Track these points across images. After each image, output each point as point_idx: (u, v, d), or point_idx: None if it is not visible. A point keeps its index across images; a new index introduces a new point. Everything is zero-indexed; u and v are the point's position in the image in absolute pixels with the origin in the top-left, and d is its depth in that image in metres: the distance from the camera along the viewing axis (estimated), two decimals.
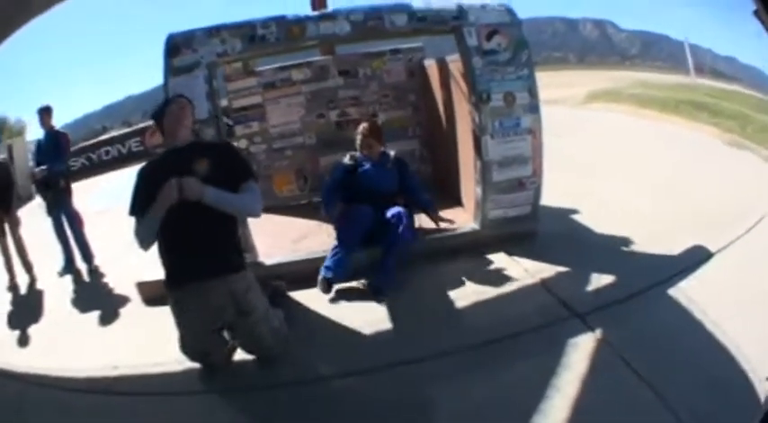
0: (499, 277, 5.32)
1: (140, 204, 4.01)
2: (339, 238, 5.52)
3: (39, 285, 7.95)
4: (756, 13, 2.60)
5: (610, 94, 19.68)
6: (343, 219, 5.60)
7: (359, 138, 6.01)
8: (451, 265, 5.60)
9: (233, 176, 4.06)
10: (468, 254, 5.84)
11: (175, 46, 5.66)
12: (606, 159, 9.63)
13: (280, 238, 6.30)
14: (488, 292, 5.05)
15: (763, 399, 2.76)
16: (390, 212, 5.57)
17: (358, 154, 6.01)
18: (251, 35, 5.73)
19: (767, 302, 4.08)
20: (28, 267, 8.20)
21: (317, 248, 5.90)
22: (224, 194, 3.91)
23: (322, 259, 5.41)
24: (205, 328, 4.09)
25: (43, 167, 7.60)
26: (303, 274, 5.49)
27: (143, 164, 4.30)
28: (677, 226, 6.05)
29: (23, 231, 8.22)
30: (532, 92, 6.05)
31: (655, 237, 5.75)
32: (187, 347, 4.19)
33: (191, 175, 3.83)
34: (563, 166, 7.28)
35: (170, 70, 5.64)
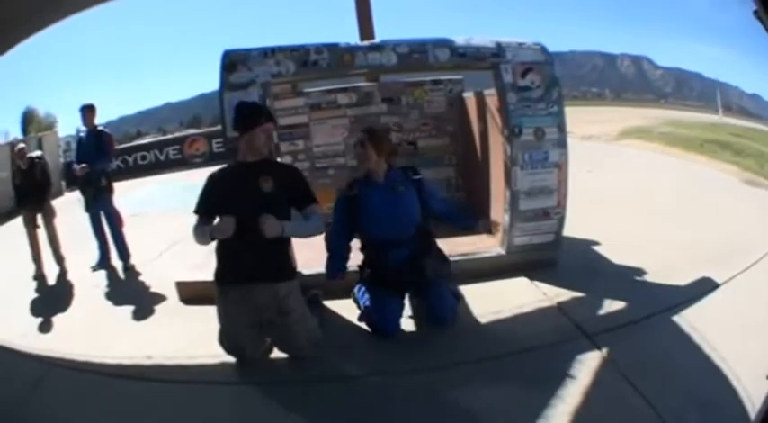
0: (519, 298, 5.54)
1: (205, 206, 4.44)
2: (374, 330, 4.98)
3: (69, 277, 8.26)
4: (756, 13, 2.64)
5: (641, 132, 20.36)
6: (366, 317, 5.01)
7: (356, 151, 5.11)
8: (476, 286, 5.82)
9: (296, 198, 4.51)
10: (492, 277, 6.07)
11: (232, 62, 5.99)
12: (630, 194, 9.99)
13: (319, 251, 6.61)
14: (508, 311, 5.29)
15: (762, 399, 2.84)
16: (429, 303, 5.00)
17: (360, 178, 5.14)
18: (304, 59, 6.05)
19: (764, 331, 4.39)
20: (59, 259, 8.58)
21: (352, 264, 5.85)
22: (296, 226, 4.47)
23: (356, 273, 5.33)
24: (245, 323, 4.41)
25: (84, 165, 7.82)
26: (338, 285, 5.52)
27: (215, 169, 4.65)
28: (688, 258, 6.33)
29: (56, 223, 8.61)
30: (561, 127, 6.31)
31: (667, 268, 6.02)
32: (225, 340, 4.51)
33: (258, 191, 4.28)
34: (590, 200, 7.73)
35: (225, 85, 5.97)
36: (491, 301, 5.45)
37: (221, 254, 4.43)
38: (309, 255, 5.66)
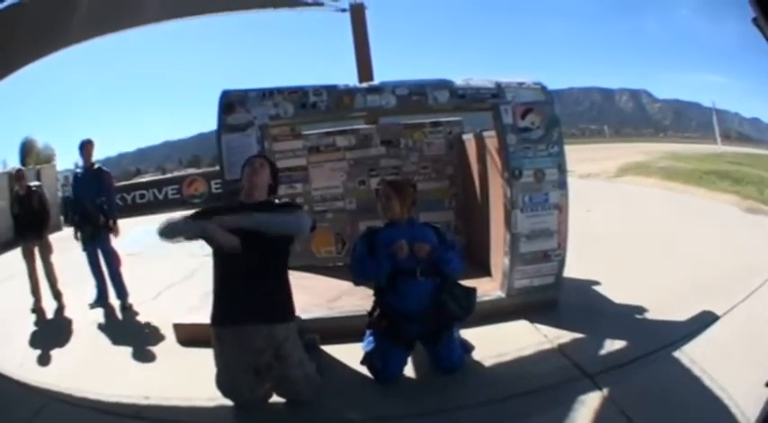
0: (520, 341, 5.51)
1: (195, 217, 4.39)
2: (376, 374, 4.90)
3: (67, 313, 8.25)
4: (755, 20, 2.61)
5: (639, 168, 20.44)
6: (369, 361, 4.92)
7: (381, 202, 5.13)
8: (476, 329, 5.69)
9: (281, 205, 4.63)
10: (493, 320, 5.97)
11: (230, 103, 5.98)
12: (630, 231, 10.16)
13: (317, 296, 6.50)
14: (509, 353, 5.25)
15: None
16: (439, 350, 4.89)
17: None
18: (303, 101, 6.05)
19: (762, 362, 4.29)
20: (57, 295, 8.55)
21: (351, 308, 6.06)
22: (266, 216, 4.28)
23: (355, 318, 5.43)
24: (242, 366, 4.31)
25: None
26: (337, 330, 5.66)
27: (213, 205, 4.71)
28: (688, 292, 6.41)
29: (54, 259, 8.61)
30: (561, 168, 6.28)
31: (668, 303, 6.06)
32: (222, 384, 4.40)
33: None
34: (589, 239, 7.70)
35: (223, 126, 5.95)
36: (492, 345, 5.38)
37: (218, 291, 4.36)
38: (306, 299, 5.58)
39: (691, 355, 4.80)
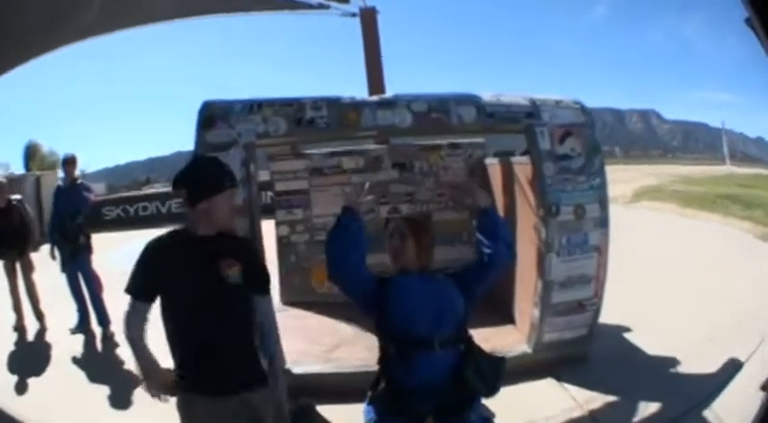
0: (547, 407, 5.01)
1: (145, 287, 3.39)
2: None
3: (48, 337, 8.01)
4: (748, 21, 2.59)
5: (654, 192, 21.56)
6: None
7: (391, 242, 3.70)
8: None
9: (252, 283, 3.50)
10: (515, 379, 5.11)
11: (210, 117, 5.07)
12: (652, 267, 9.75)
13: (312, 343, 5.96)
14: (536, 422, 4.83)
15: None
16: None
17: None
18: (298, 117, 5.12)
19: None
20: (39, 316, 8.33)
21: (351, 361, 5.34)
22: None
23: (355, 375, 4.56)
24: None
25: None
26: (333, 388, 4.95)
27: (155, 239, 3.52)
28: (714, 336, 6.22)
29: (37, 277, 8.37)
30: (603, 203, 5.59)
31: (695, 350, 5.83)
32: None
33: (220, 279, 3.33)
34: (616, 277, 6.92)
35: (201, 144, 5.02)
36: (515, 412, 4.66)
37: (178, 354, 3.46)
38: (300, 347, 4.98)
39: (718, 412, 4.65)
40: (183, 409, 3.51)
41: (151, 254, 3.42)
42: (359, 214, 3.57)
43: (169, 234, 3.52)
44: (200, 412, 3.44)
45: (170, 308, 3.37)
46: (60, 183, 8.14)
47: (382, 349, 3.74)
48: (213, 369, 3.40)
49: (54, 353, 7.28)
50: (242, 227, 4.89)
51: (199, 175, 3.47)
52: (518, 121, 5.43)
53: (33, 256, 8.39)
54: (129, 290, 3.38)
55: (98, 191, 24.17)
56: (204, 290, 3.32)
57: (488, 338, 5.43)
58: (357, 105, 5.25)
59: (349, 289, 3.58)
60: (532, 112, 5.42)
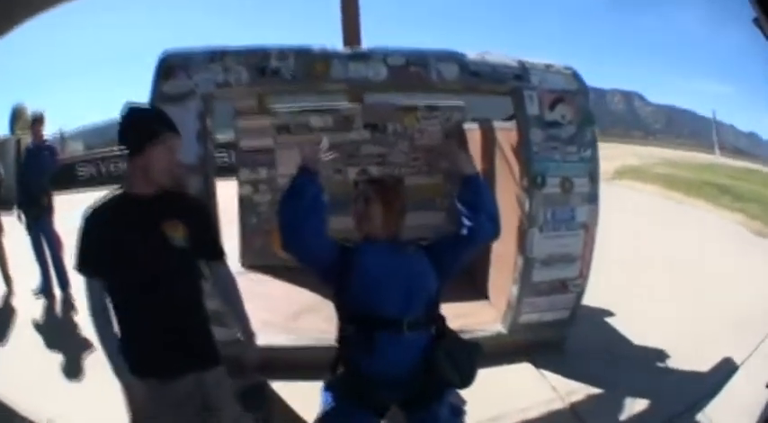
0: (523, 397, 4.70)
1: (91, 262, 3.03)
2: None
3: (14, 301, 7.86)
4: (756, 21, 2.66)
5: (636, 172, 20.70)
6: None
7: (356, 206, 3.29)
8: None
9: (204, 250, 3.23)
10: (488, 360, 4.71)
11: (169, 67, 4.64)
12: (637, 251, 9.48)
13: (273, 311, 5.67)
14: (509, 416, 4.49)
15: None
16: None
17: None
18: (262, 66, 4.71)
19: None
20: (7, 279, 8.17)
21: (315, 332, 4.99)
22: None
23: (318, 349, 4.31)
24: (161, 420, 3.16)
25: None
26: (294, 362, 4.68)
27: (90, 208, 3.10)
28: (708, 331, 5.95)
29: (6, 240, 8.21)
30: (593, 177, 5.21)
31: (686, 346, 5.56)
32: None
33: (164, 242, 3.01)
34: (601, 257, 6.56)
35: (156, 95, 4.60)
36: (488, 402, 4.30)
37: (127, 336, 3.08)
38: (260, 315, 4.27)
39: (711, 416, 4.43)
40: (125, 395, 3.15)
41: (90, 225, 3.05)
42: (316, 175, 3.06)
43: (105, 199, 3.10)
44: (139, 400, 3.08)
45: (114, 281, 3.03)
46: (30, 144, 7.99)
47: (341, 329, 3.32)
48: (158, 346, 3.06)
49: (18, 318, 7.19)
50: (195, 186, 4.54)
51: (130, 123, 3.03)
52: (504, 83, 5.03)
53: (5, 218, 8.13)
54: (77, 268, 3.09)
55: (76, 150, 23.56)
56: (147, 257, 2.99)
57: (458, 315, 5.16)
58: (327, 56, 4.83)
59: (306, 259, 3.19)
60: (521, 74, 5.04)
